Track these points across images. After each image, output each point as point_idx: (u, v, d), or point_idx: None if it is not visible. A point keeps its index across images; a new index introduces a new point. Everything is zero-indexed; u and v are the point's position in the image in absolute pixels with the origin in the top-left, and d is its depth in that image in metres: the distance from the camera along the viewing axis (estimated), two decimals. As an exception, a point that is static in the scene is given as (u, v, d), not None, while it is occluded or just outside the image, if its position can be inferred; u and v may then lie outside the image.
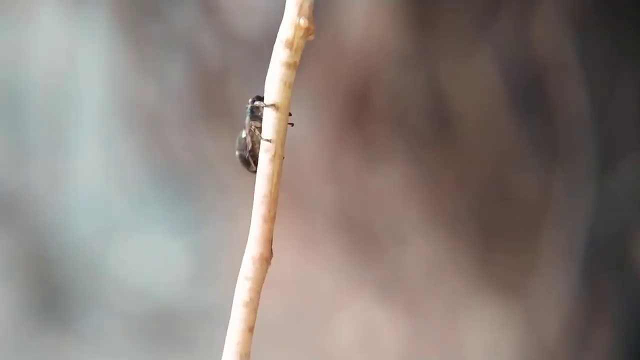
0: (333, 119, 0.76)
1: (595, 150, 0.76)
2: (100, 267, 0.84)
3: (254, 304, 0.31)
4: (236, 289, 0.31)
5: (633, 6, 0.76)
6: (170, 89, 0.79)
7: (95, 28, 0.79)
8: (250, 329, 0.31)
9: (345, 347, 0.80)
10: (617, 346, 0.78)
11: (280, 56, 0.28)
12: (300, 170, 0.77)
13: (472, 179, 0.77)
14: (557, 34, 0.74)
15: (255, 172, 0.31)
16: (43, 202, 0.84)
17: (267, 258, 0.30)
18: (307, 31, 0.26)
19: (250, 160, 0.31)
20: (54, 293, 0.85)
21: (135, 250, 0.84)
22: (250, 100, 0.31)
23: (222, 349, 0.31)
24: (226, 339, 0.31)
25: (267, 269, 0.31)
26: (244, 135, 0.31)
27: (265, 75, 0.29)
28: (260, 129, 0.29)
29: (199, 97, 0.78)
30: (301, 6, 0.26)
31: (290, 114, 0.29)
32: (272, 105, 0.28)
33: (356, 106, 0.75)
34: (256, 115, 0.30)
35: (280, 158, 0.28)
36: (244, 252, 0.31)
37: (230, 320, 0.32)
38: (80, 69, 0.81)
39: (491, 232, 0.78)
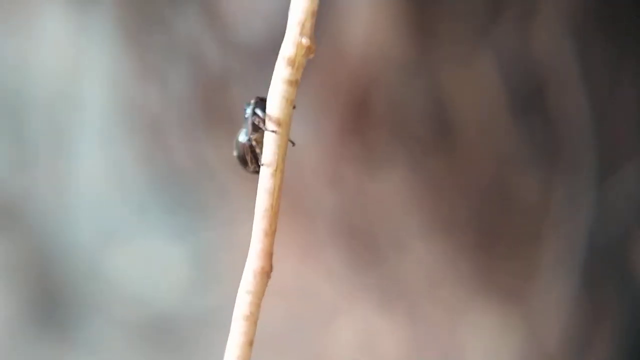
0: (334, 125, 0.76)
1: (596, 156, 0.77)
2: (100, 272, 0.84)
3: (254, 317, 0.31)
4: (236, 302, 0.31)
5: (633, 11, 0.77)
6: (172, 95, 0.79)
7: (99, 35, 0.79)
8: (250, 343, 0.31)
9: (346, 353, 0.80)
10: (618, 352, 0.78)
11: (282, 73, 0.28)
12: (301, 177, 0.77)
13: (473, 184, 0.77)
14: (557, 39, 0.75)
15: (253, 172, 0.31)
16: (43, 207, 0.84)
17: (267, 272, 0.30)
18: (309, 50, 0.27)
19: (248, 160, 0.31)
20: (52, 298, 0.85)
21: (135, 256, 0.84)
22: (252, 101, 0.31)
23: (221, 355, 0.31)
24: (226, 352, 0.31)
25: (267, 282, 0.31)
26: (242, 136, 0.31)
27: (266, 82, 0.29)
28: (261, 132, 0.29)
29: (200, 104, 0.78)
30: (303, 26, 0.26)
31: (294, 107, 0.29)
32: (274, 131, 0.28)
33: (357, 113, 0.75)
34: (258, 116, 0.30)
35: (282, 173, 0.28)
36: (243, 257, 0.31)
37: (230, 334, 0.32)
38: (83, 75, 0.82)
39: (491, 238, 0.78)
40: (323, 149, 0.76)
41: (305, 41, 0.27)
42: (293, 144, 0.29)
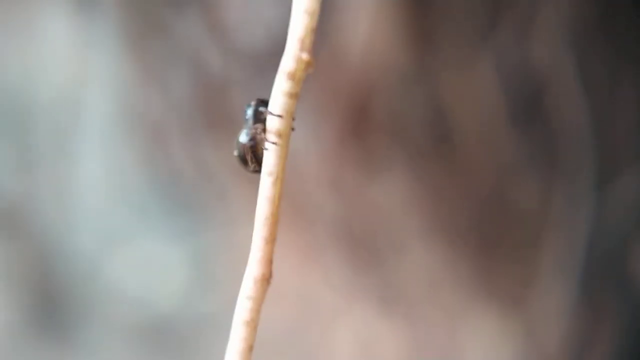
0: (334, 131, 0.76)
1: (595, 161, 0.77)
2: (100, 274, 0.85)
3: (254, 323, 0.31)
4: (236, 308, 0.32)
5: (633, 18, 0.77)
6: (172, 99, 0.79)
7: (101, 40, 0.80)
8: (250, 348, 0.32)
9: (346, 356, 0.80)
10: (617, 356, 0.78)
11: (282, 87, 0.29)
12: (302, 181, 0.77)
13: (472, 190, 0.77)
14: (557, 46, 0.75)
15: (253, 171, 0.31)
16: (45, 210, 0.84)
17: (267, 278, 0.31)
18: (308, 64, 0.27)
19: (248, 160, 0.32)
20: (53, 300, 0.85)
21: (135, 258, 0.84)
22: (253, 103, 0.31)
23: (221, 357, 0.31)
24: (225, 357, 0.32)
25: (267, 288, 0.31)
26: (243, 137, 0.32)
27: (266, 86, 0.30)
28: (264, 130, 0.30)
29: (201, 108, 0.79)
30: (303, 42, 0.27)
31: (293, 119, 0.29)
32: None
33: (357, 118, 0.76)
34: (259, 118, 0.31)
35: (282, 182, 0.29)
36: (243, 259, 0.31)
37: (230, 339, 0.32)
38: (86, 79, 0.82)
39: (491, 243, 0.78)
40: (323, 154, 0.77)
41: (305, 56, 0.27)
42: (293, 129, 0.30)
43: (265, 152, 0.29)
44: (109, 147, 0.83)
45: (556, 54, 0.75)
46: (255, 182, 0.30)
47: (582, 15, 0.75)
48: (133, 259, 0.84)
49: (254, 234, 0.30)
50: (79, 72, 0.82)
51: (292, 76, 0.29)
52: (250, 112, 0.31)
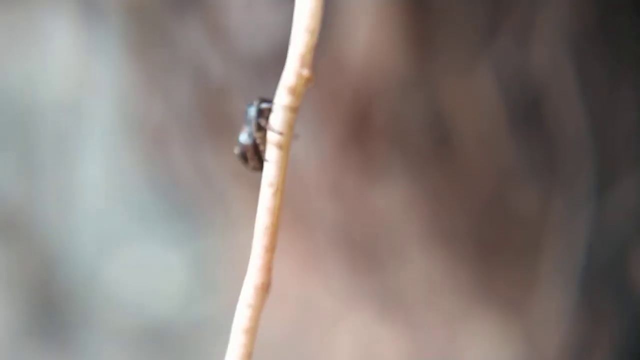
0: (334, 136, 0.76)
1: (595, 167, 0.77)
2: (100, 279, 0.85)
3: (254, 331, 0.32)
4: (236, 316, 0.32)
5: (632, 23, 0.77)
6: (174, 106, 0.79)
7: (104, 47, 0.80)
8: (249, 355, 0.32)
9: (346, 361, 0.81)
10: (617, 362, 0.78)
11: (283, 101, 0.29)
12: (302, 187, 0.77)
13: (472, 196, 0.77)
14: (556, 51, 0.75)
15: (253, 169, 0.32)
16: (45, 215, 0.84)
17: (267, 287, 0.31)
18: (309, 80, 0.28)
19: (248, 158, 0.32)
20: (52, 306, 0.85)
21: (135, 263, 0.84)
22: (255, 102, 0.32)
23: (221, 360, 0.31)
24: (225, 365, 0.32)
25: (267, 297, 0.31)
26: (243, 136, 0.32)
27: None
28: (266, 128, 0.30)
29: (202, 114, 0.79)
30: (304, 58, 0.28)
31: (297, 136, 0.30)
32: (280, 133, 0.30)
33: (357, 124, 0.76)
34: (263, 115, 0.31)
35: (282, 193, 0.29)
36: (242, 263, 0.31)
37: (230, 347, 0.32)
38: (88, 86, 0.82)
39: (491, 249, 0.78)
40: (323, 159, 0.77)
41: (305, 72, 0.28)
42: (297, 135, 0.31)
43: (266, 163, 0.30)
44: (109, 151, 0.84)
45: (555, 59, 0.75)
46: (255, 186, 0.31)
47: (581, 20, 0.75)
48: (133, 263, 0.84)
49: (253, 242, 0.30)
50: (81, 77, 0.82)
51: (292, 91, 0.29)
52: (252, 111, 0.32)
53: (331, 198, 0.78)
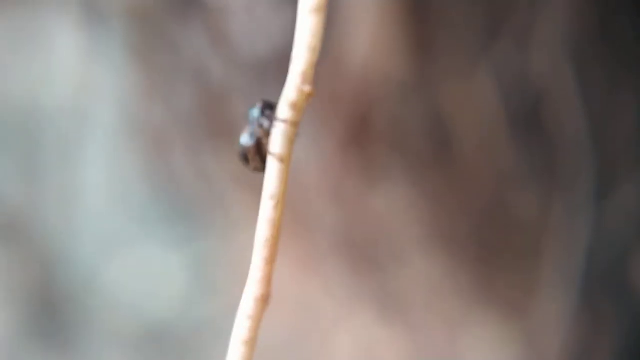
0: (335, 140, 0.76)
1: (594, 171, 0.77)
2: (100, 281, 0.85)
3: (253, 342, 0.32)
4: (235, 327, 0.32)
5: (632, 26, 0.77)
6: (175, 108, 0.79)
7: (107, 52, 0.80)
8: (249, 364, 0.32)
9: (346, 364, 0.81)
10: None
11: (285, 115, 0.30)
12: (302, 191, 0.77)
13: (472, 199, 0.77)
14: (556, 56, 0.75)
15: (253, 170, 0.32)
16: (47, 218, 0.84)
17: (267, 298, 0.31)
18: (310, 96, 0.28)
19: (250, 159, 0.32)
20: (53, 308, 0.85)
21: (136, 265, 0.84)
22: (258, 105, 0.32)
23: (220, 364, 0.31)
24: (225, 375, 0.32)
25: (266, 308, 0.31)
26: (245, 138, 0.32)
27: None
28: (269, 129, 0.30)
29: (203, 118, 0.79)
30: (305, 75, 0.28)
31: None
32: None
33: (357, 128, 0.76)
34: (266, 116, 0.31)
35: (283, 206, 0.29)
36: (242, 266, 0.32)
37: (228, 357, 0.32)
38: (91, 91, 0.82)
39: (491, 252, 0.78)
40: (324, 163, 0.77)
41: (307, 89, 0.29)
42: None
43: (267, 172, 0.30)
44: (110, 153, 0.84)
45: (555, 62, 0.75)
46: (255, 189, 0.31)
47: (580, 23, 0.75)
48: (133, 265, 0.85)
49: (253, 254, 0.30)
50: (83, 81, 0.82)
51: (294, 106, 0.30)
52: (255, 112, 0.32)
53: (331, 201, 0.78)
